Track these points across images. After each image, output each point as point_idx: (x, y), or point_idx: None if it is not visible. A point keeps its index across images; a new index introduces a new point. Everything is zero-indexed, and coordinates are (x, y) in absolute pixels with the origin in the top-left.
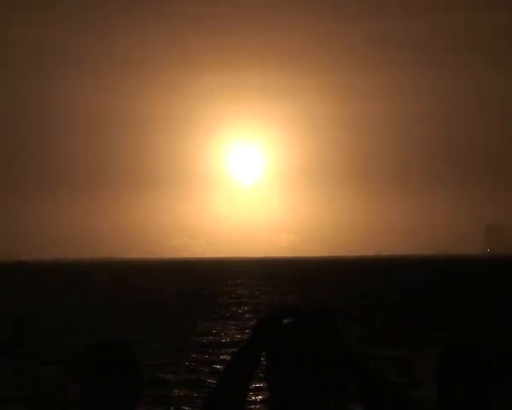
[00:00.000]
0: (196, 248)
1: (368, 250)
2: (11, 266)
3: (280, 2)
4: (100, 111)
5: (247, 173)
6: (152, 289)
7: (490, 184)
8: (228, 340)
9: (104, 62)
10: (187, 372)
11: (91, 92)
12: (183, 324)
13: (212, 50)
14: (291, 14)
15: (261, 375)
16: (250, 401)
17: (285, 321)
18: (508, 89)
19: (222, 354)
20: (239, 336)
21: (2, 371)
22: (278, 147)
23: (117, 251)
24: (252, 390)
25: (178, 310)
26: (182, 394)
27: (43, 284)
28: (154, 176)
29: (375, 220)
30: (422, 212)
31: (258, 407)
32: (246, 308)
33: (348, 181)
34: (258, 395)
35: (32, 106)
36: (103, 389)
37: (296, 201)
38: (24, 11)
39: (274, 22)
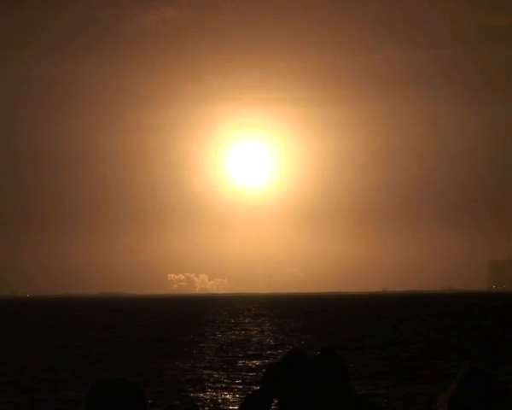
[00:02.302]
0: (199, 285)
1: (373, 287)
2: (16, 302)
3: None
4: (98, 146)
5: (247, 211)
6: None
7: (493, 221)
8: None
9: (100, 97)
10: None
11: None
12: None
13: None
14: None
15: None
16: None
17: (295, 362)
18: (508, 124)
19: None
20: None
21: None
22: (282, 183)
23: (124, 287)
24: None
25: (188, 352)
26: None
27: (44, 319)
28: (160, 211)
29: (380, 257)
30: (427, 248)
31: None
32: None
33: (354, 217)
34: None
35: (38, 144)
36: None
37: (300, 236)
38: (24, 50)
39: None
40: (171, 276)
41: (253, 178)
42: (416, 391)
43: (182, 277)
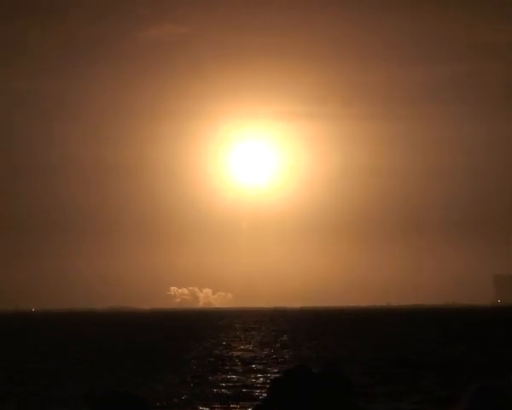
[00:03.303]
0: (203, 299)
1: (378, 300)
2: (21, 316)
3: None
4: (100, 158)
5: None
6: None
7: (499, 235)
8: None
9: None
10: None
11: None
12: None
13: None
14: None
15: None
16: None
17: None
18: None
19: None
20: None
21: None
22: (283, 196)
23: (131, 301)
24: None
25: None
26: None
27: (51, 333)
28: (166, 227)
29: (384, 270)
30: (432, 262)
31: None
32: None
33: (360, 229)
34: None
35: (40, 156)
36: None
37: (305, 250)
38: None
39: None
40: (174, 290)
41: (257, 186)
42: (425, 408)
43: (185, 291)
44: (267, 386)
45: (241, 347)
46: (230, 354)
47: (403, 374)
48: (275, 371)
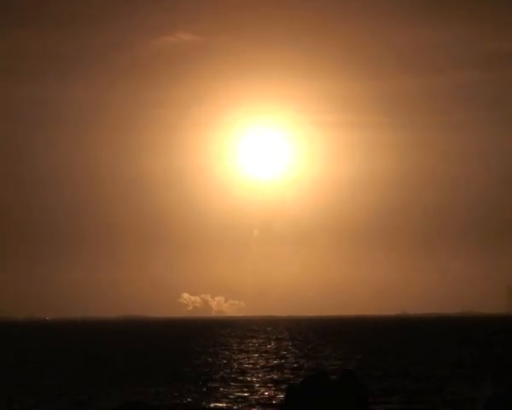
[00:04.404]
0: (215, 307)
1: (393, 309)
2: (35, 324)
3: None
4: (114, 167)
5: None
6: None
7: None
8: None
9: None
10: None
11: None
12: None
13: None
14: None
15: None
16: None
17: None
18: None
19: None
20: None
21: None
22: (291, 205)
23: (142, 309)
24: None
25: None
26: None
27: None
28: (174, 233)
29: (399, 279)
30: (445, 271)
31: None
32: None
33: (375, 238)
34: None
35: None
36: None
37: (316, 257)
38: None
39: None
40: (187, 297)
41: (270, 183)
42: None
43: (198, 299)
44: (285, 393)
45: (256, 355)
46: (247, 362)
47: (418, 384)
48: (292, 378)
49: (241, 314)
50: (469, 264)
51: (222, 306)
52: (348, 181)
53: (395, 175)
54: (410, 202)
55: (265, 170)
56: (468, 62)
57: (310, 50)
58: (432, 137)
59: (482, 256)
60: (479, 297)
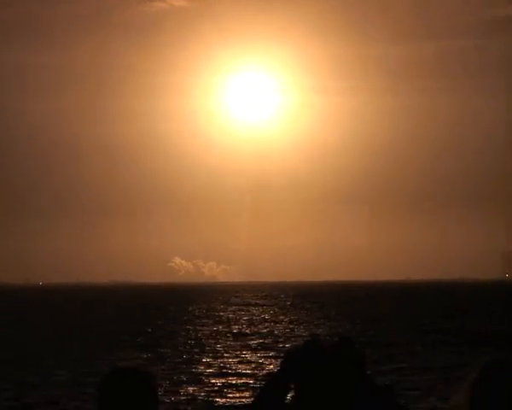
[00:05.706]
0: (207, 272)
1: (398, 275)
2: (29, 289)
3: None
4: (101, 136)
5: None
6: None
7: (508, 210)
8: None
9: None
10: (206, 397)
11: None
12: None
13: None
14: None
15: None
16: None
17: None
18: None
19: (243, 380)
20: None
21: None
22: (295, 173)
23: (132, 275)
24: None
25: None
26: None
27: (58, 307)
28: (164, 197)
29: (402, 244)
30: (443, 237)
31: None
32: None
33: (377, 204)
34: None
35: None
36: None
37: (316, 220)
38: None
39: None
40: (179, 262)
41: (259, 127)
42: (435, 379)
43: (190, 264)
44: (280, 359)
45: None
46: (244, 328)
47: (415, 349)
48: (287, 345)
49: (232, 280)
50: (464, 229)
51: (214, 271)
52: (350, 152)
53: (394, 141)
54: (409, 171)
55: (254, 115)
56: (459, 30)
57: (309, 13)
58: (440, 102)
59: (474, 222)
60: (474, 263)
